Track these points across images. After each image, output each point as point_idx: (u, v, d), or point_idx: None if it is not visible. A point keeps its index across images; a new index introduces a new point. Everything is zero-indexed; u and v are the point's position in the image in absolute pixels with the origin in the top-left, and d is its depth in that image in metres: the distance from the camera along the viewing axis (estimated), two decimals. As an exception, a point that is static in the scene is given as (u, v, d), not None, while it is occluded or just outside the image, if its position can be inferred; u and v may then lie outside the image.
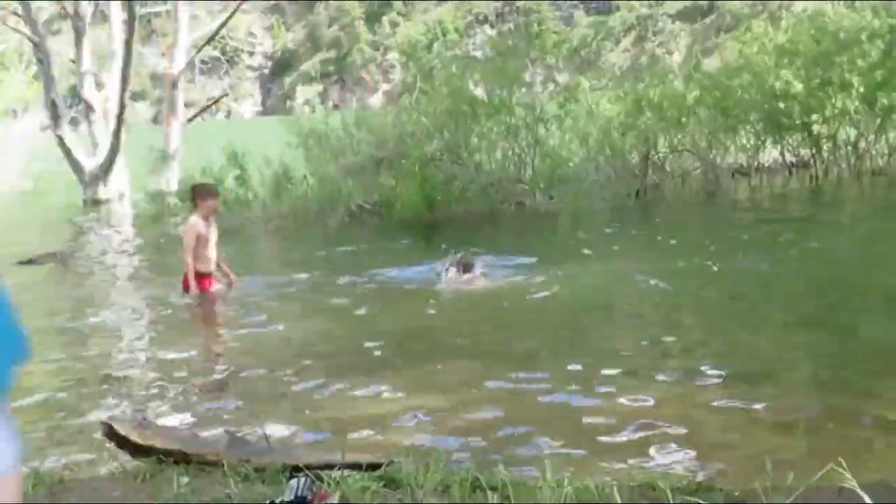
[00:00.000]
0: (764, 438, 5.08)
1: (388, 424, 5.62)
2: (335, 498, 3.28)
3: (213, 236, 10.18)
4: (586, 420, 5.51)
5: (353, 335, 8.06)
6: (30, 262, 13.85)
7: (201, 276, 10.03)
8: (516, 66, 18.11)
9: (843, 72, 15.99)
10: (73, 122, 26.77)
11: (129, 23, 23.31)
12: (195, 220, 10.08)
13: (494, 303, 9.36)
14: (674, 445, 5.00)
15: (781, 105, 16.35)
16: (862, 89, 16.00)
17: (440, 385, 6.48)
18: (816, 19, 18.61)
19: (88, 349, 8.32)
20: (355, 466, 4.10)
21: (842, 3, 20.38)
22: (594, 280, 9.83)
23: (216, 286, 10.24)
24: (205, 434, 4.86)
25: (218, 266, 10.29)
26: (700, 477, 4.25)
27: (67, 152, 24.60)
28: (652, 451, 4.94)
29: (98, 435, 4.82)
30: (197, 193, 10.34)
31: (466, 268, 10.04)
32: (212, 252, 10.13)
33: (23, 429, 5.76)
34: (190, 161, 19.65)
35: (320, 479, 3.90)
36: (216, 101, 50.60)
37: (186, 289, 9.98)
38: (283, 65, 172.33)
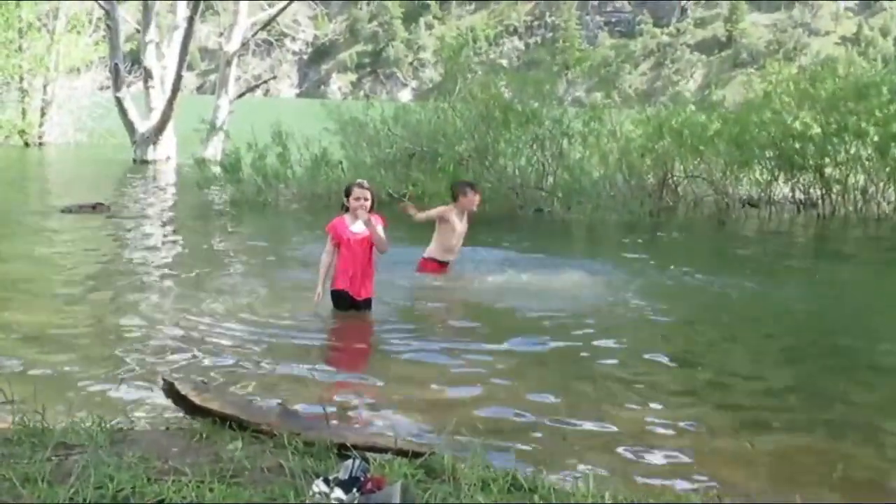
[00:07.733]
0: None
1: (425, 410, 5.54)
2: (397, 490, 3.18)
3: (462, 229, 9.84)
4: (613, 430, 5.39)
5: (382, 321, 7.93)
6: (70, 210, 13.90)
7: (439, 264, 9.74)
8: (552, 80, 18.00)
9: (860, 120, 15.79)
10: (128, 85, 27.04)
11: (195, 2, 23.65)
12: (450, 207, 9.79)
13: (509, 299, 9.04)
14: (700, 469, 4.86)
15: (797, 145, 16.18)
16: (877, 138, 15.79)
17: (453, 377, 6.33)
18: (830, 66, 18.43)
19: (140, 303, 8.18)
20: (401, 453, 4.04)
21: (854, 48, 20.21)
22: (600, 287, 9.59)
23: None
24: (259, 403, 4.80)
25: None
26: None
27: (124, 113, 25.11)
28: (683, 470, 4.78)
29: (158, 389, 4.76)
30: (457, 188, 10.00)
31: None
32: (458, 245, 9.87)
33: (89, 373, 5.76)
34: (233, 133, 19.73)
35: (366, 460, 3.84)
36: (265, 82, 50.80)
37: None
38: (321, 52, 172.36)
